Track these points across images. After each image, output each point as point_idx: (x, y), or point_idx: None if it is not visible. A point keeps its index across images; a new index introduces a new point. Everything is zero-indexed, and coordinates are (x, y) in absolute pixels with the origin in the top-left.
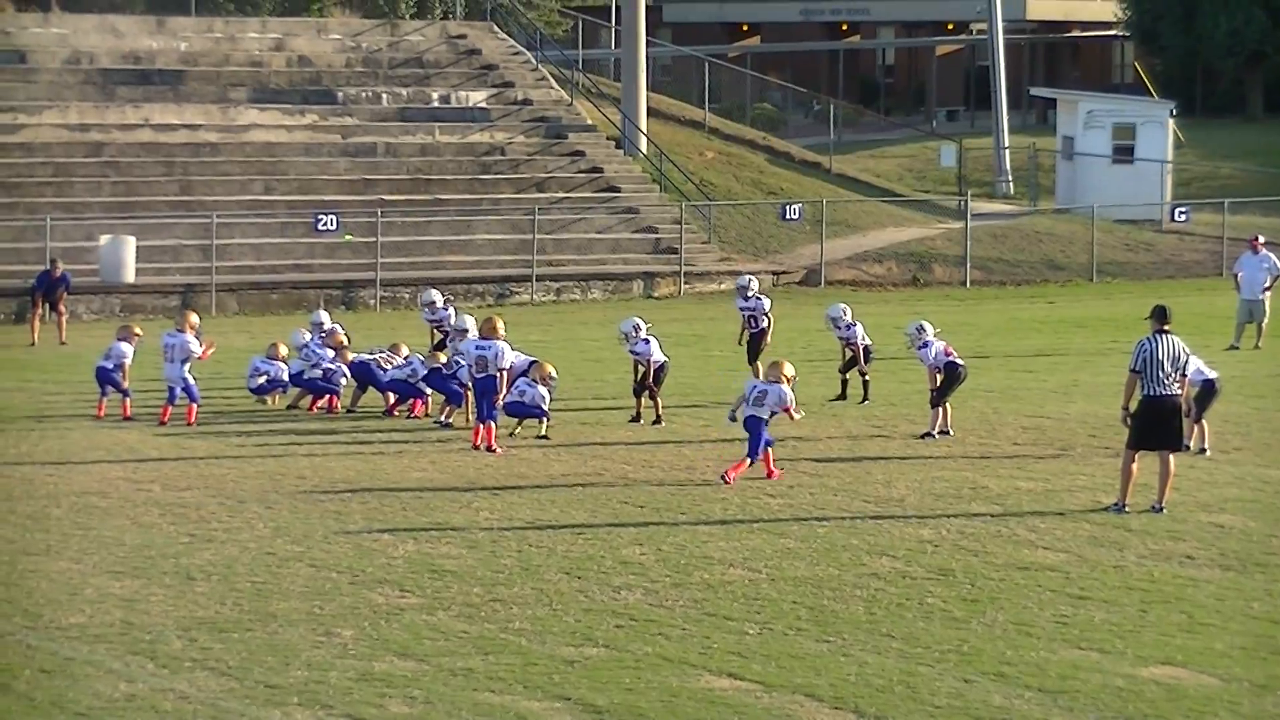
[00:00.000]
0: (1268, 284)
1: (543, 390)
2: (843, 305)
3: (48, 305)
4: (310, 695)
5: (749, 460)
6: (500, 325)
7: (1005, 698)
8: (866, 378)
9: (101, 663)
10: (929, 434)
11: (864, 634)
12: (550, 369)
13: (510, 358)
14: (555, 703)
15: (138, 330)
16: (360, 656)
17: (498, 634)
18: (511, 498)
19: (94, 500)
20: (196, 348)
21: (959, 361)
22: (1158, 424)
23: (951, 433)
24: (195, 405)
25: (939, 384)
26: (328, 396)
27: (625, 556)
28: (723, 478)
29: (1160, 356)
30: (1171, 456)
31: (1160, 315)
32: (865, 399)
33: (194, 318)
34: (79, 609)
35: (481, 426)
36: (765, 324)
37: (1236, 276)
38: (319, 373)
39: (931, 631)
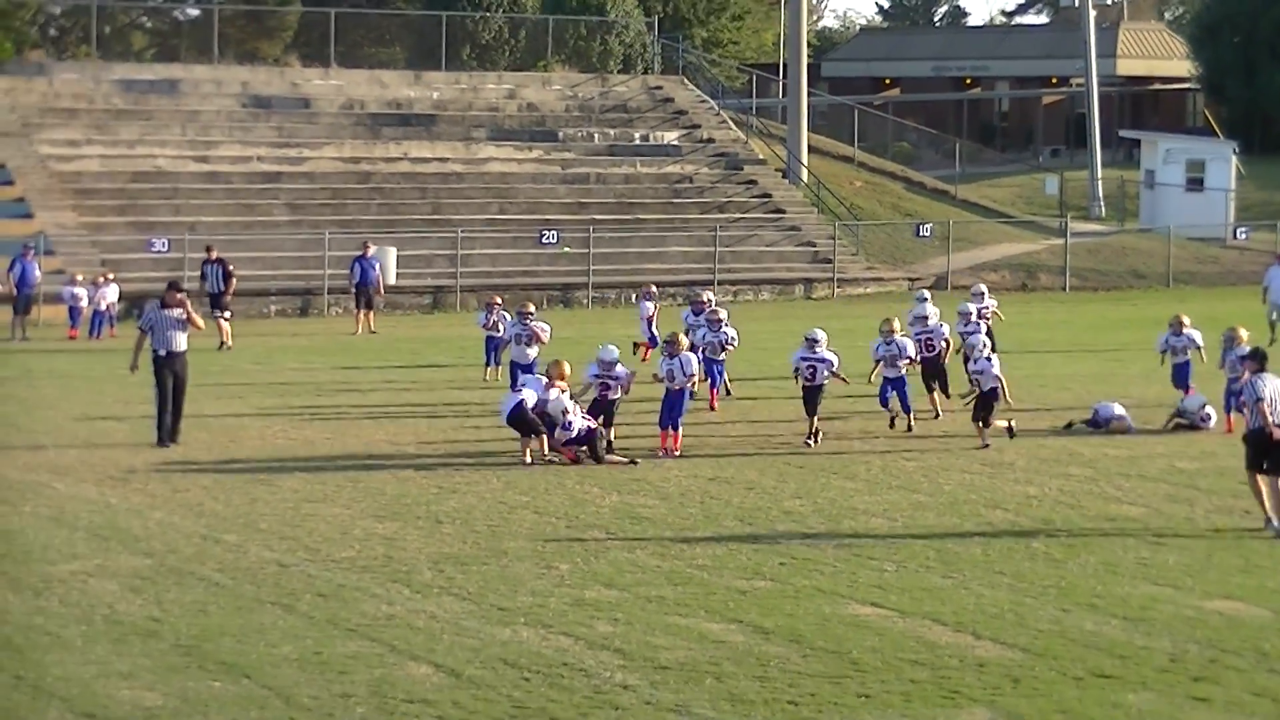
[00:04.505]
0: None
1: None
2: (973, 304)
3: (360, 300)
4: (534, 617)
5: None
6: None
7: (1095, 624)
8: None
9: (367, 589)
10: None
11: (981, 571)
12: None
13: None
14: (730, 624)
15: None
16: (574, 586)
17: (684, 569)
18: (696, 460)
19: (361, 459)
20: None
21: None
22: (1266, 451)
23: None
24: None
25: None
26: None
27: (788, 507)
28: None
29: (1265, 395)
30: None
31: (1259, 357)
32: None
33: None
34: (349, 545)
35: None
36: (944, 347)
37: (1265, 289)
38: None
39: (1035, 570)
